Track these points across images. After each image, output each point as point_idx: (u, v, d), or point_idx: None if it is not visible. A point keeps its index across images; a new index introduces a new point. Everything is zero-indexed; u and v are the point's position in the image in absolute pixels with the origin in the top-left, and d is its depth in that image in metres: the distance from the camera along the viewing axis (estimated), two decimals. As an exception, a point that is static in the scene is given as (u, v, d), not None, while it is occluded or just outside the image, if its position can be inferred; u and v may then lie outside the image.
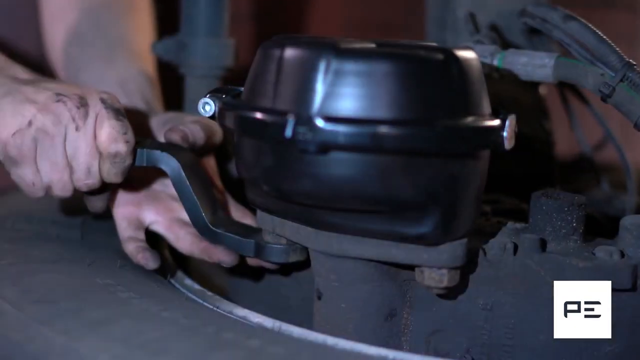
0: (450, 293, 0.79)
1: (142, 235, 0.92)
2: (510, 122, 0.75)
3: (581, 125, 1.16)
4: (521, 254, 0.79)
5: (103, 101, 0.86)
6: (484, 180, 0.78)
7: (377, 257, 0.78)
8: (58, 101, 0.85)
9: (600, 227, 1.02)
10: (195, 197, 0.87)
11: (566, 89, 1.13)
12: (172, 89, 1.13)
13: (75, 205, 1.04)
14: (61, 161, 0.85)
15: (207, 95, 0.82)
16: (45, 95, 0.86)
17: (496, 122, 0.74)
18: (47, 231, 0.97)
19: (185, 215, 0.90)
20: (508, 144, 0.75)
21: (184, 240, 0.92)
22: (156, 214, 0.93)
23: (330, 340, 0.76)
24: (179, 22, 1.11)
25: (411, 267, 0.79)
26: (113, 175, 0.86)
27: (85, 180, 0.86)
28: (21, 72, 0.92)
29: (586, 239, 0.82)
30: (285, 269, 0.92)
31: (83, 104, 0.85)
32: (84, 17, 1.15)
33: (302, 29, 1.81)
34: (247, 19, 1.72)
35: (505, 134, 0.74)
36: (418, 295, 0.82)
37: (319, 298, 0.82)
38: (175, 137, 0.91)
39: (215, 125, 0.95)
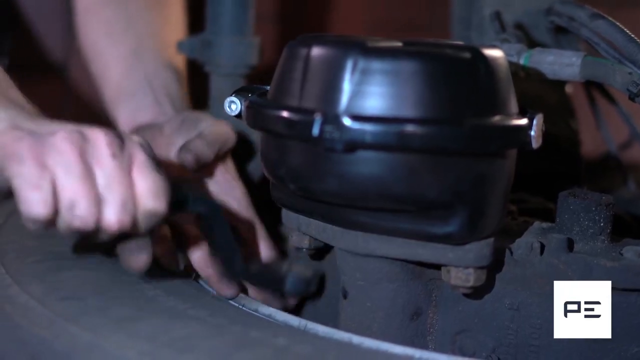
0: (477, 292, 0.79)
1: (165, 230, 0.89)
2: (538, 121, 0.75)
3: (607, 124, 1.15)
4: (548, 253, 0.79)
5: (140, 145, 0.75)
6: (510, 180, 0.77)
7: (403, 256, 0.78)
8: (90, 129, 0.74)
9: (627, 227, 1.02)
10: (232, 238, 0.81)
11: (592, 87, 1.12)
12: (200, 86, 1.14)
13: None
14: (90, 180, 0.72)
15: (233, 94, 0.82)
16: (72, 126, 0.74)
17: (524, 121, 0.74)
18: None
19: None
20: (536, 143, 0.74)
21: (195, 255, 0.89)
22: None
23: (356, 339, 0.76)
24: (204, 20, 1.12)
25: (437, 267, 0.79)
26: (138, 228, 0.75)
27: (120, 216, 0.72)
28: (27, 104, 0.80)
29: (613, 239, 0.82)
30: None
31: (117, 137, 0.75)
32: (114, 10, 1.15)
33: (325, 29, 1.81)
34: (270, 19, 1.72)
35: (532, 132, 0.74)
36: (444, 294, 0.82)
37: (345, 297, 0.82)
38: (189, 159, 0.87)
39: (226, 131, 0.95)
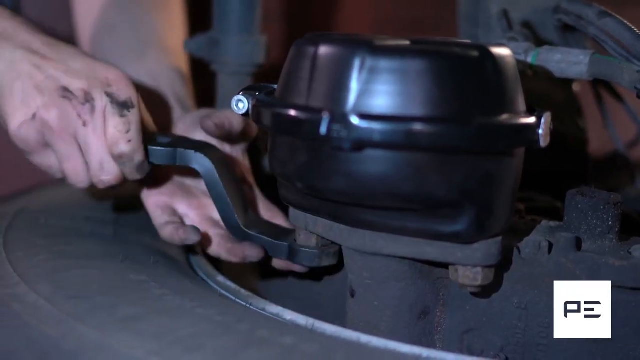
0: (485, 291, 0.79)
1: (177, 220, 0.92)
2: (546, 119, 0.74)
3: (615, 123, 1.15)
4: (556, 252, 0.79)
5: (108, 95, 0.85)
6: (518, 178, 0.77)
7: (411, 255, 0.78)
8: (63, 97, 0.85)
9: (635, 225, 1.01)
10: (228, 197, 0.88)
11: (600, 86, 1.12)
12: (207, 85, 1.13)
13: (108, 201, 1.05)
14: (74, 154, 0.86)
15: (241, 93, 0.82)
16: (52, 87, 0.85)
17: (532, 120, 0.74)
18: (80, 227, 0.97)
19: (216, 215, 0.90)
20: (544, 142, 0.74)
21: (212, 241, 0.92)
22: (188, 207, 0.93)
23: (364, 338, 0.76)
24: (210, 19, 1.12)
25: (445, 265, 0.78)
26: (129, 173, 0.87)
27: (101, 176, 0.86)
28: (34, 40, 0.89)
29: (622, 238, 0.82)
30: (316, 273, 0.92)
31: (88, 99, 0.85)
32: (117, 12, 1.15)
33: (331, 28, 1.81)
34: (276, 18, 1.72)
35: (541, 131, 0.74)
36: (451, 293, 0.82)
37: (352, 296, 0.82)
38: (210, 125, 0.90)
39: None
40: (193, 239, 0.89)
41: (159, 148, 0.88)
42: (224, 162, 0.90)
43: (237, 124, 0.92)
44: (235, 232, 0.88)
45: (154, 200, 0.93)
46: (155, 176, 0.92)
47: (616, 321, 0.77)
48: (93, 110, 0.85)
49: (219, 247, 0.91)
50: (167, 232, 0.90)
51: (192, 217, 0.93)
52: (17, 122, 0.85)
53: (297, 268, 0.89)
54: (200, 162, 0.88)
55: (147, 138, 0.88)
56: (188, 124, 0.97)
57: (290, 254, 0.86)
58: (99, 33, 1.14)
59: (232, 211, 0.88)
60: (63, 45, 0.90)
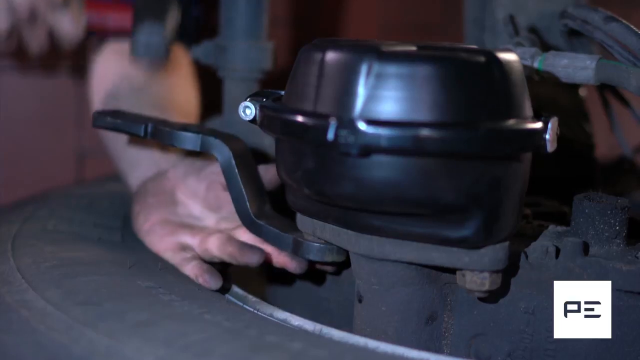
0: (492, 296, 0.79)
1: (192, 253, 0.92)
2: (553, 124, 0.74)
3: (622, 127, 1.15)
4: (563, 257, 0.79)
5: None
6: (526, 183, 0.77)
7: (418, 260, 0.78)
8: None
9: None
10: (242, 186, 0.89)
11: (606, 90, 1.12)
12: (214, 92, 1.14)
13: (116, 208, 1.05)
14: None
15: (248, 99, 0.82)
16: None
17: (539, 125, 0.74)
18: (88, 233, 0.98)
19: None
20: (550, 147, 0.74)
21: (212, 244, 0.91)
22: (192, 237, 0.93)
23: (371, 343, 0.76)
24: (217, 25, 1.12)
25: (452, 271, 0.78)
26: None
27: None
28: None
29: (629, 243, 0.82)
30: (318, 275, 0.92)
31: None
32: (122, 79, 1.18)
33: (339, 33, 1.81)
34: (284, 23, 1.73)
35: (547, 136, 0.74)
36: (459, 298, 0.82)
37: (360, 301, 0.82)
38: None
39: None
40: (213, 286, 0.88)
41: (184, 133, 0.91)
42: (243, 153, 0.91)
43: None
44: (246, 222, 0.89)
45: (161, 246, 0.93)
46: (155, 225, 0.94)
47: (624, 325, 0.78)
48: None
49: (219, 249, 0.90)
50: (191, 272, 0.90)
51: (196, 243, 0.93)
52: None
53: (292, 266, 0.88)
54: (219, 149, 0.90)
55: None
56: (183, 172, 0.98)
57: (295, 247, 0.86)
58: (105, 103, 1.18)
59: (245, 200, 0.89)
60: None
